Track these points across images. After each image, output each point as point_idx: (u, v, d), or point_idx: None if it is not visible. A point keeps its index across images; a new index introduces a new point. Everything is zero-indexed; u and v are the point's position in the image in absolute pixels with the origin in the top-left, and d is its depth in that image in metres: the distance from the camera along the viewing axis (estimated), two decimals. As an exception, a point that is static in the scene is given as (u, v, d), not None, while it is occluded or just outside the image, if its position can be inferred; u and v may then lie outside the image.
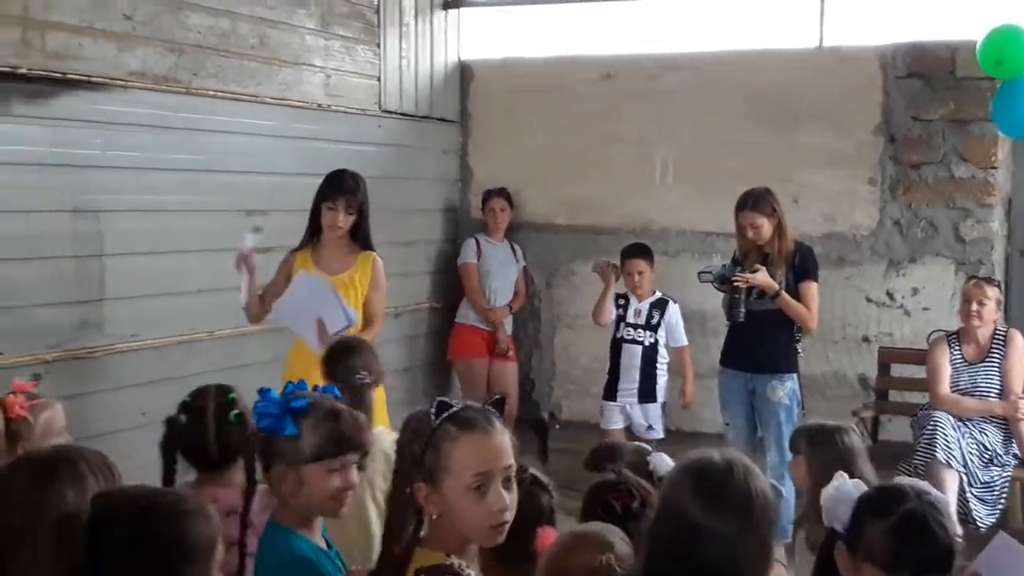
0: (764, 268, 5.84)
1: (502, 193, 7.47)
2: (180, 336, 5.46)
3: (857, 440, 3.75)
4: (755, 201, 5.93)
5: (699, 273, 6.07)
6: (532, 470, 2.77)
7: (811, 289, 5.96)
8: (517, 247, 7.55)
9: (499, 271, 7.42)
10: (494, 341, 7.36)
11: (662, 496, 2.25)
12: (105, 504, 2.07)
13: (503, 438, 2.36)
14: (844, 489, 2.37)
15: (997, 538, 2.75)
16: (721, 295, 6.05)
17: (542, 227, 7.70)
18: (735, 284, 5.85)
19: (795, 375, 6.01)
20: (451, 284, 7.65)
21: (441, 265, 7.75)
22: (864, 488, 2.36)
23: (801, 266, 5.97)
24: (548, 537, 2.61)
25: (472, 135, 7.91)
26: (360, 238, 5.09)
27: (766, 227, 5.90)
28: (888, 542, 2.29)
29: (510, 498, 2.34)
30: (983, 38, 6.22)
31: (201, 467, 3.16)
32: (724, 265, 6.02)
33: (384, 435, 3.88)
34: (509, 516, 2.34)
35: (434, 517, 2.36)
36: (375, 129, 6.97)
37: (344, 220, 4.98)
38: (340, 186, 5.00)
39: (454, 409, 2.36)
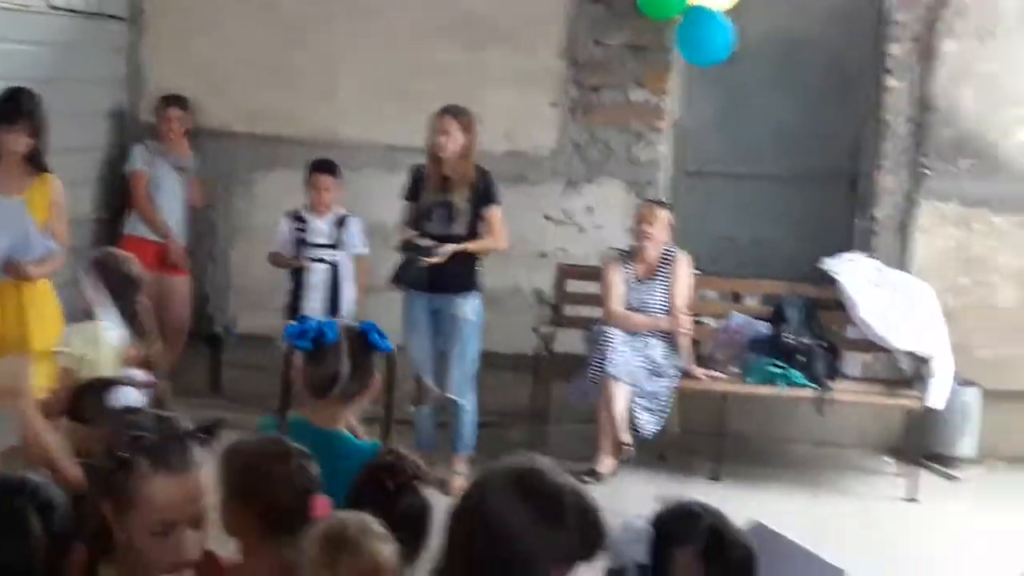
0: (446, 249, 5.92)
1: (179, 101, 7.04)
2: None
3: None
4: (457, 111, 6.04)
5: (403, 252, 6.05)
6: (296, 445, 2.71)
7: (496, 214, 6.14)
8: (192, 154, 7.18)
9: (169, 181, 7.04)
10: (164, 253, 7.01)
11: (483, 513, 2.12)
12: None
13: (198, 478, 2.21)
14: (632, 525, 2.25)
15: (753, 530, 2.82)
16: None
17: (221, 135, 7.33)
18: (433, 261, 5.90)
19: (479, 293, 6.20)
20: (117, 194, 7.16)
21: (107, 173, 7.22)
22: (643, 521, 2.26)
23: (485, 191, 6.12)
24: (322, 505, 2.58)
25: (145, 34, 7.35)
26: (36, 160, 4.75)
27: (457, 139, 5.99)
28: (702, 566, 2.22)
29: (196, 538, 2.22)
30: None
31: None
32: (430, 247, 5.96)
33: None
34: (192, 556, 2.22)
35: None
36: (40, 27, 6.32)
37: (24, 144, 4.68)
38: (17, 108, 4.71)
39: (149, 439, 2.18)
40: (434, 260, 5.89)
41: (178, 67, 7.28)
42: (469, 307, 6.11)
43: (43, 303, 4.81)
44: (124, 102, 7.39)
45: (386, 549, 2.33)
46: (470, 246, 6.03)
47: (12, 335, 4.68)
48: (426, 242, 5.96)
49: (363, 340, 3.24)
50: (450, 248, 5.94)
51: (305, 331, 3.20)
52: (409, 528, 2.53)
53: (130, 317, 4.17)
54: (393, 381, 3.21)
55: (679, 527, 2.25)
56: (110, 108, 7.28)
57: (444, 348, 6.15)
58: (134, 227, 6.99)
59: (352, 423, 3.27)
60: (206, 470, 2.25)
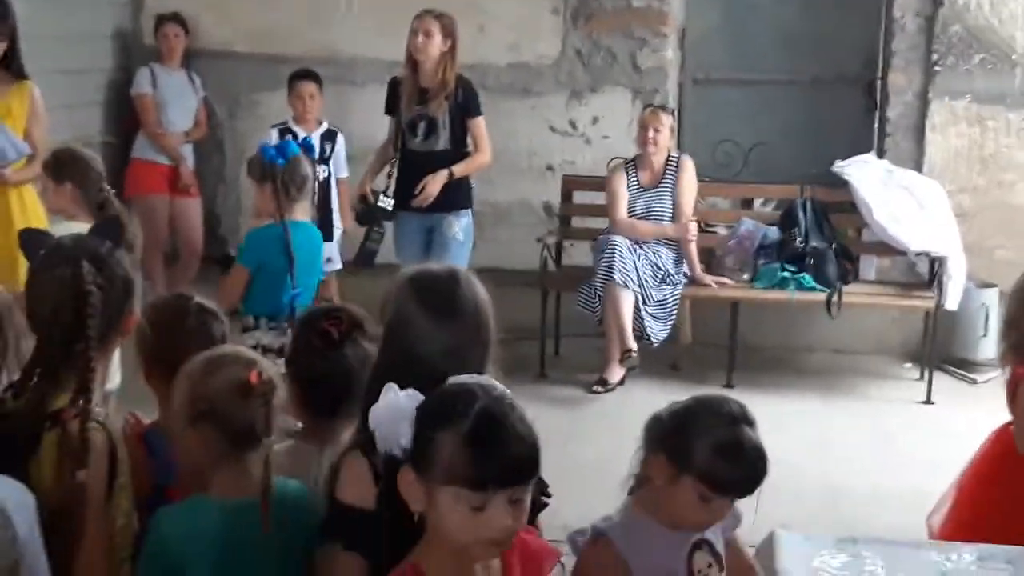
0: (430, 182, 5.71)
1: (176, 18, 7.05)
2: None
3: None
4: (439, 13, 5.75)
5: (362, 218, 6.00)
6: (197, 298, 2.75)
7: (480, 126, 5.87)
8: (196, 76, 7.19)
9: (177, 102, 7.06)
10: (175, 176, 7.03)
11: (390, 314, 2.23)
12: None
13: None
14: (396, 404, 1.97)
15: None
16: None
17: (222, 55, 7.33)
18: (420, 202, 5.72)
19: (470, 211, 5.98)
20: (125, 117, 7.20)
21: (113, 96, 7.25)
22: (419, 398, 1.98)
23: (466, 102, 5.83)
24: None
25: (144, -44, 7.39)
26: (14, 67, 4.73)
27: (436, 42, 5.69)
28: (465, 452, 1.87)
29: None
30: None
31: None
32: (387, 210, 5.85)
33: None
34: None
35: None
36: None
37: None
38: None
39: None
40: (420, 201, 5.70)
41: (177, -13, 7.28)
42: (459, 226, 5.88)
43: (28, 209, 4.81)
44: (126, 24, 7.41)
45: (267, 365, 2.33)
46: (456, 169, 5.78)
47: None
48: (385, 201, 5.80)
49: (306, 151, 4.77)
50: (431, 191, 5.72)
51: (281, 149, 4.55)
52: (351, 379, 2.51)
53: (98, 205, 4.15)
54: None
55: (447, 408, 1.93)
56: (113, 30, 7.31)
57: None
58: (143, 150, 7.01)
59: None
60: None
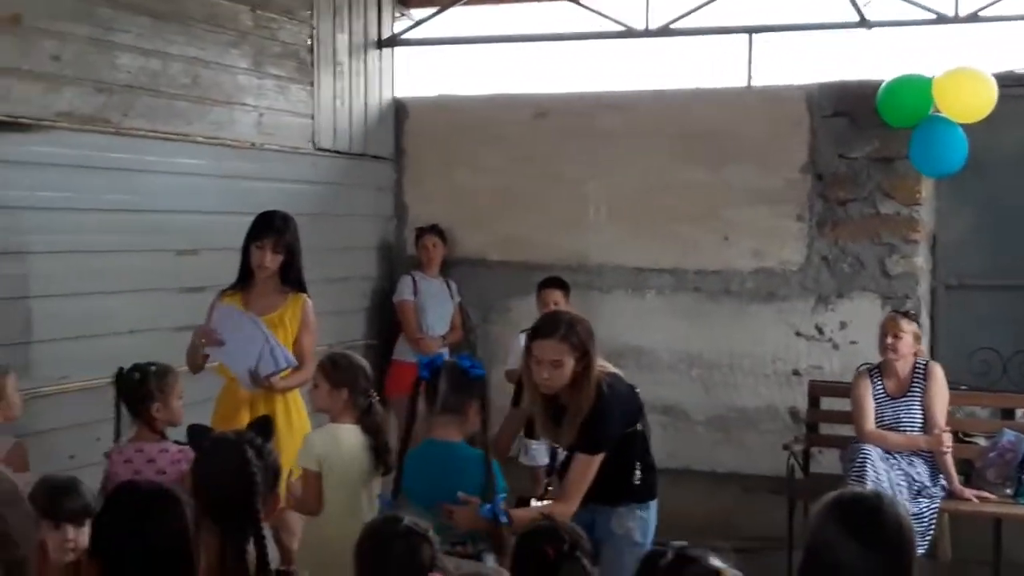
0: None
1: (434, 229, 7.53)
2: (110, 377, 5.39)
3: None
4: (566, 329, 4.10)
5: None
6: (407, 520, 2.73)
7: (579, 465, 4.08)
8: (452, 283, 7.59)
9: (435, 307, 7.45)
10: (431, 377, 7.35)
11: (811, 536, 2.27)
12: None
13: None
14: None
15: None
16: None
17: (477, 263, 7.76)
18: None
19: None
20: (387, 321, 7.65)
21: (377, 302, 7.76)
22: None
23: (585, 433, 4.08)
24: None
25: (407, 172, 7.97)
26: (291, 279, 5.08)
27: (567, 367, 4.07)
28: None
29: None
30: (881, 90, 6.42)
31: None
32: None
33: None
34: None
35: None
36: (309, 167, 6.99)
37: (272, 260, 4.95)
38: (268, 226, 4.96)
39: None
40: None
41: (436, 201, 7.81)
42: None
43: (292, 415, 5.06)
44: (391, 235, 7.97)
45: None
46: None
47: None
48: None
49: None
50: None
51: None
52: None
53: (364, 410, 4.33)
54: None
55: None
56: (379, 242, 7.88)
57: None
58: (403, 353, 7.38)
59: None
60: None
